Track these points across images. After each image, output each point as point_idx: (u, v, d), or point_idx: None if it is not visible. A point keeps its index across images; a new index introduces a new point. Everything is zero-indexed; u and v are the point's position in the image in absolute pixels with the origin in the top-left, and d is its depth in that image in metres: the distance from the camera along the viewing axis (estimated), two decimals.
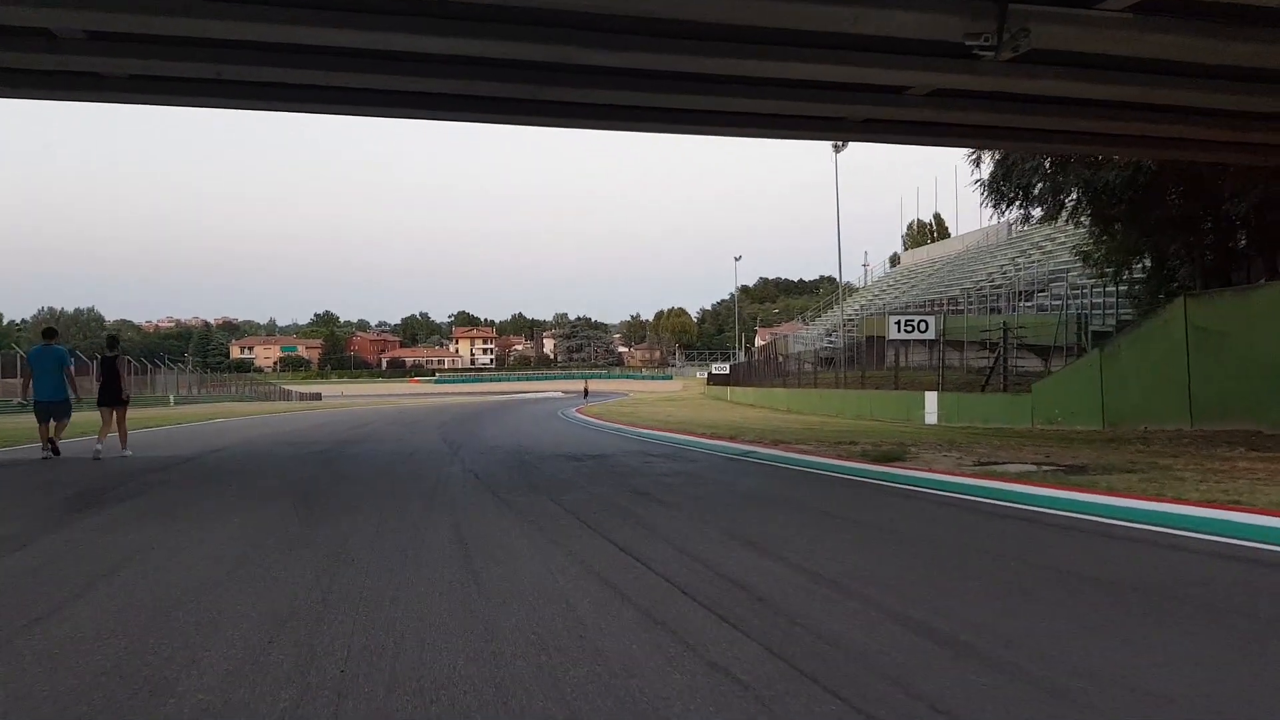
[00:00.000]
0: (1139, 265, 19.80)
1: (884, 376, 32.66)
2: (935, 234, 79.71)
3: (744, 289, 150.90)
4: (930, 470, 9.25)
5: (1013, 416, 20.52)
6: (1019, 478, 8.36)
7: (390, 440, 15.52)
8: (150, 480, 8.95)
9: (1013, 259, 42.37)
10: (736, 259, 78.40)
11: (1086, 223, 19.76)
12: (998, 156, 18.86)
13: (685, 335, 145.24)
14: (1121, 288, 21.61)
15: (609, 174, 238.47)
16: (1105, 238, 19.17)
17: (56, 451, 11.16)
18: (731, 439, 14.75)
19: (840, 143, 38.57)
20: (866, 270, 74.66)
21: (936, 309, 32.33)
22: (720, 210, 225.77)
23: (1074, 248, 22.86)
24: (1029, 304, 32.20)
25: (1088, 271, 26.62)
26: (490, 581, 4.12)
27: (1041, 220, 19.66)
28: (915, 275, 59.88)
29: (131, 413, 12.83)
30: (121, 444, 11.72)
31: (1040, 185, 17.40)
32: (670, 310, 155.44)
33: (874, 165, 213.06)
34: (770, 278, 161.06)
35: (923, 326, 24.69)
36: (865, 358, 35.88)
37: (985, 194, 18.81)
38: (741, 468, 10.22)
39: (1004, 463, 9.96)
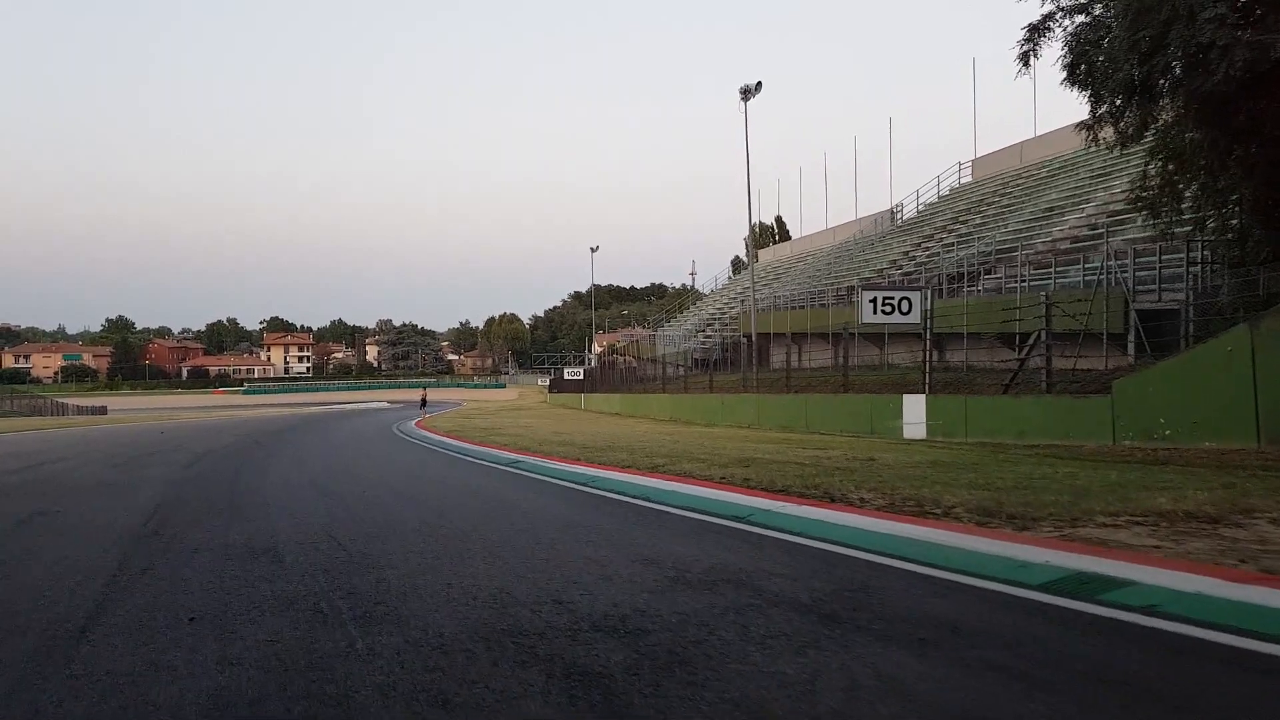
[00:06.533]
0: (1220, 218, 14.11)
1: (812, 377, 26.41)
2: (777, 236, 76.76)
3: (576, 295, 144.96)
4: None
5: (1073, 429, 14.15)
6: None
7: (45, 507, 6.96)
8: None
9: (918, 243, 37.41)
10: (593, 249, 70.39)
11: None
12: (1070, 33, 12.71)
13: (518, 342, 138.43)
14: (1176, 254, 15.94)
15: (435, 173, 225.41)
16: (1211, 168, 13.28)
17: None
18: (831, 503, 7.10)
19: (755, 87, 32.04)
20: (694, 277, 69.70)
21: (916, 286, 25.91)
22: (553, 217, 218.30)
23: (1132, 195, 17.03)
24: (975, 289, 26.80)
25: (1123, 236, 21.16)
26: None
27: (1130, 138, 13.40)
28: (784, 273, 54.60)
29: None
30: None
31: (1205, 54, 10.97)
32: (502, 316, 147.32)
33: (708, 174, 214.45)
34: (603, 285, 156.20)
35: (904, 306, 18.21)
36: (746, 359, 29.87)
37: (1079, 90, 12.41)
38: None
39: None
